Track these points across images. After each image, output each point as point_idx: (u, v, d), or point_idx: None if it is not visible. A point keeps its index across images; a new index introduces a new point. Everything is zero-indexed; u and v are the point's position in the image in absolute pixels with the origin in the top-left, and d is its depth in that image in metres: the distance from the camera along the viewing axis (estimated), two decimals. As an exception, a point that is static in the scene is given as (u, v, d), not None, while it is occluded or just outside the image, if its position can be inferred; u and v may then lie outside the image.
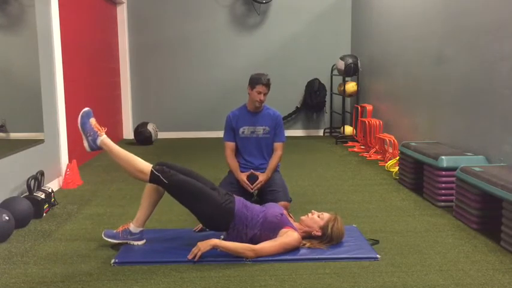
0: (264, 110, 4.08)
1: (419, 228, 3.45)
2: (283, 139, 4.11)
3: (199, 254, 2.79)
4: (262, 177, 3.92)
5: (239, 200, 3.08)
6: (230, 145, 4.08)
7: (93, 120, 3.06)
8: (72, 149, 5.07)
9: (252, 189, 3.91)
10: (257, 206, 3.13)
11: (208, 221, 3.01)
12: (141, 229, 3.09)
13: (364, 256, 2.89)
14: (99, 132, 3.03)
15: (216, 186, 3.16)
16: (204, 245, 2.80)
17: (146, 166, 2.96)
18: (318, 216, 3.05)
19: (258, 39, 8.24)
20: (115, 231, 3.11)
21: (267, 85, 3.90)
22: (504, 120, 3.82)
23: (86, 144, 3.03)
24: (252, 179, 3.98)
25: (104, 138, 3.02)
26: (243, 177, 3.95)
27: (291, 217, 3.15)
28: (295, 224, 3.08)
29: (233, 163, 4.03)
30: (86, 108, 3.12)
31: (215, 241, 2.83)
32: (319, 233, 3.00)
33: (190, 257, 2.80)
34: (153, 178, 2.92)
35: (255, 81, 3.90)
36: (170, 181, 2.91)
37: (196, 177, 3.10)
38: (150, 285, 2.56)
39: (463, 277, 2.63)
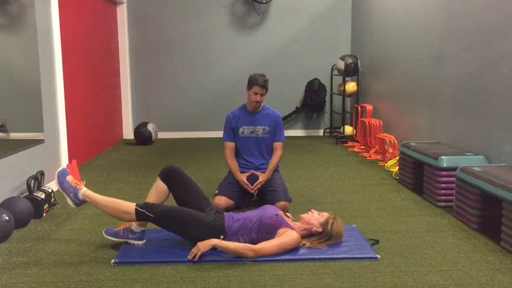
0: (264, 110, 4.08)
1: (419, 228, 3.45)
2: (283, 139, 4.11)
3: (199, 254, 2.79)
4: (262, 177, 3.92)
5: (229, 216, 3.09)
6: (230, 145, 4.08)
7: (69, 178, 3.11)
8: (72, 149, 5.07)
9: (252, 189, 3.91)
10: (249, 213, 3.15)
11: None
12: (142, 229, 3.10)
13: (364, 256, 2.89)
14: (78, 186, 3.08)
15: (207, 203, 3.18)
16: (204, 245, 2.81)
17: (130, 206, 2.98)
18: (318, 214, 3.07)
19: (258, 39, 8.23)
20: (116, 229, 3.13)
21: (263, 86, 3.91)
22: (504, 120, 3.81)
23: (69, 201, 3.09)
24: (252, 179, 3.98)
25: (84, 191, 3.07)
26: (242, 178, 3.95)
27: (288, 217, 3.16)
28: (295, 223, 3.09)
29: (233, 164, 4.03)
30: (60, 168, 3.18)
31: (215, 241, 2.83)
32: (320, 229, 3.01)
33: (190, 257, 2.80)
34: (139, 215, 2.96)
35: (251, 81, 3.92)
36: (155, 214, 2.94)
37: (193, 190, 3.15)
38: (150, 285, 2.56)
39: (463, 277, 2.63)
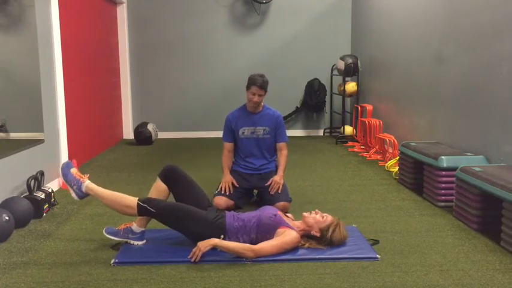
0: (264, 110, 4.08)
1: (419, 228, 3.45)
2: (286, 139, 4.11)
3: (199, 254, 2.79)
4: (278, 178, 3.91)
5: (229, 214, 3.10)
6: (228, 146, 4.10)
7: (74, 170, 3.13)
8: (72, 149, 5.07)
9: (229, 191, 3.89)
10: (250, 213, 3.15)
11: (200, 240, 2.94)
12: (142, 229, 3.10)
13: (364, 256, 2.89)
14: (81, 179, 3.09)
15: (209, 202, 3.22)
16: (204, 245, 2.81)
17: (132, 200, 3.00)
18: (322, 218, 3.04)
19: (258, 39, 8.24)
20: (116, 228, 3.13)
21: (261, 87, 3.89)
22: (504, 120, 3.82)
23: (73, 194, 3.10)
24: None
25: (88, 184, 3.08)
26: (228, 178, 3.96)
27: (287, 216, 3.16)
28: (295, 222, 3.08)
29: (225, 162, 4.08)
30: (65, 161, 3.25)
31: (215, 241, 2.84)
32: (318, 235, 3.00)
33: (190, 257, 2.80)
34: (141, 210, 2.97)
35: (250, 81, 3.92)
36: (157, 209, 2.96)
37: (195, 189, 3.18)
38: (150, 285, 2.56)
39: (463, 277, 2.63)
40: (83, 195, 3.08)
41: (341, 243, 3.02)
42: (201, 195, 3.19)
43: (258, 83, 3.87)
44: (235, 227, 2.99)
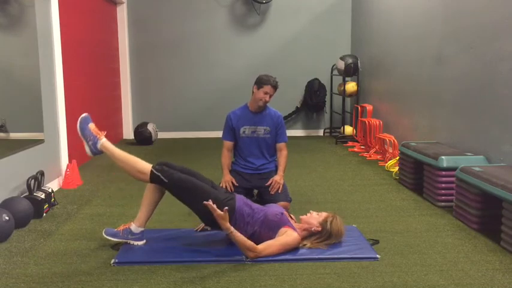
0: (265, 110, 4.08)
1: (419, 228, 3.45)
2: (286, 139, 4.12)
3: (216, 212, 2.71)
4: (278, 178, 3.91)
5: (240, 198, 3.10)
6: (227, 144, 4.10)
7: (92, 125, 3.09)
8: (72, 149, 5.07)
9: (231, 190, 3.89)
10: (258, 205, 3.16)
11: (209, 218, 2.97)
12: (142, 229, 3.09)
13: (364, 256, 2.89)
14: (98, 136, 3.06)
15: (216, 185, 3.20)
16: (220, 216, 2.73)
17: (146, 166, 2.99)
18: (318, 214, 3.08)
19: (258, 39, 8.24)
20: (116, 229, 3.12)
21: (275, 87, 3.93)
22: (504, 120, 3.82)
23: (87, 149, 3.08)
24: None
25: (104, 142, 3.06)
26: (228, 177, 3.95)
27: (291, 218, 3.16)
28: (296, 225, 3.09)
29: (225, 161, 4.07)
30: (84, 114, 3.15)
31: (231, 228, 2.77)
32: (319, 228, 3.01)
33: (206, 203, 2.74)
34: (153, 178, 2.95)
35: (263, 81, 3.91)
36: (170, 180, 2.94)
37: (197, 176, 3.13)
38: (150, 285, 2.56)
39: (463, 277, 2.63)
40: (97, 152, 3.05)
41: (340, 233, 3.04)
42: (201, 179, 3.13)
43: (273, 83, 3.90)
44: (243, 212, 2.98)
